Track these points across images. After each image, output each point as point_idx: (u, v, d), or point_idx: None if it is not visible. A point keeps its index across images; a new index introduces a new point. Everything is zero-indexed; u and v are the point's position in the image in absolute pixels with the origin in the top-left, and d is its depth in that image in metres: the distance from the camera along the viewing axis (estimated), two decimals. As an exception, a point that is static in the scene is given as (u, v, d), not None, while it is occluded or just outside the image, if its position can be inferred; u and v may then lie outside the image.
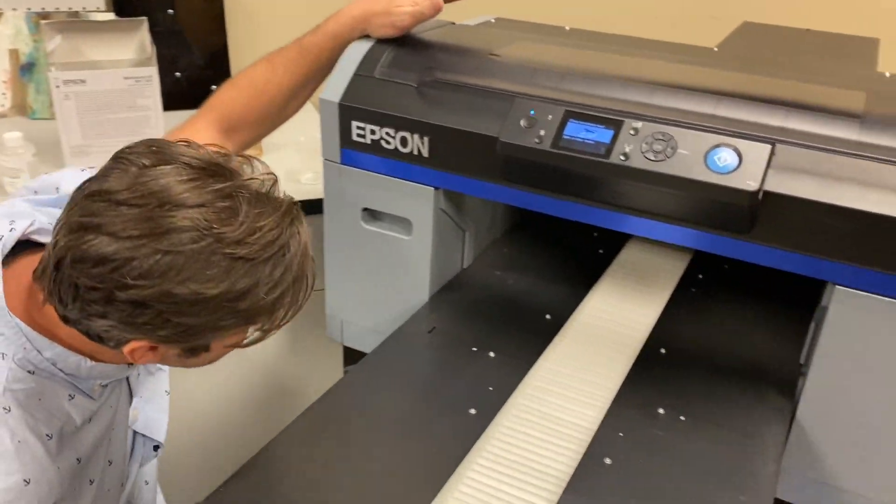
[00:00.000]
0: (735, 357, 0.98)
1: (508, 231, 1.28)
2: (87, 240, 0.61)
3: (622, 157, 0.85)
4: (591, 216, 0.93)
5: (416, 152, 0.99)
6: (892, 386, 0.82)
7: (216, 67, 1.70)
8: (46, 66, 1.55)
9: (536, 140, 0.89)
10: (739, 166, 0.81)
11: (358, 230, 1.08)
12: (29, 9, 1.51)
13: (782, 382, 0.93)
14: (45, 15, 1.57)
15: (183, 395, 1.45)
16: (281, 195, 0.68)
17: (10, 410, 0.68)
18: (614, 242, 1.23)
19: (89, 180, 0.65)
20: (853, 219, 0.78)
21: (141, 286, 0.60)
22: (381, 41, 1.04)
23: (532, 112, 0.90)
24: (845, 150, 0.81)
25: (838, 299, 0.82)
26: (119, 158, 0.65)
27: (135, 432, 0.89)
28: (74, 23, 1.40)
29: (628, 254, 1.22)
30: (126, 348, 0.66)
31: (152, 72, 1.35)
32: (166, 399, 0.93)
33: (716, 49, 1.21)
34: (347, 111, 1.01)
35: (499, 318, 1.04)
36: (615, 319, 1.04)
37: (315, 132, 1.10)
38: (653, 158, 0.84)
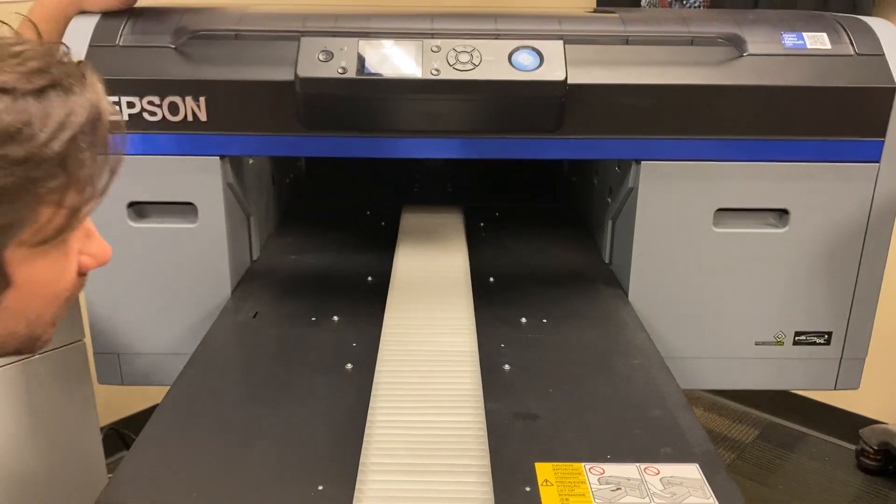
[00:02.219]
0: (555, 272, 1.02)
1: (280, 224, 1.18)
2: None
3: (434, 72, 0.83)
4: (403, 148, 0.89)
5: (191, 118, 0.86)
6: (704, 244, 0.91)
7: None
8: None
9: (340, 70, 0.83)
10: (542, 63, 0.85)
11: (125, 233, 0.90)
12: None
13: (603, 278, 0.98)
14: None
15: None
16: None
17: None
18: (390, 214, 1.21)
19: None
20: (646, 94, 0.86)
21: None
22: (108, 14, 0.90)
23: (325, 47, 0.84)
24: (622, 40, 0.89)
25: (646, 175, 0.89)
26: None
27: None
28: None
29: (408, 220, 1.20)
30: None
31: None
32: None
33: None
34: (92, 86, 0.85)
35: (321, 290, 0.95)
36: (434, 268, 1.01)
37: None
38: (462, 69, 0.84)
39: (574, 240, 1.13)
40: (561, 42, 0.86)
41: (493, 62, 0.84)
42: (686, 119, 0.87)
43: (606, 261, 1.04)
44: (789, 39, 0.89)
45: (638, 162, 0.89)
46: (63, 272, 0.54)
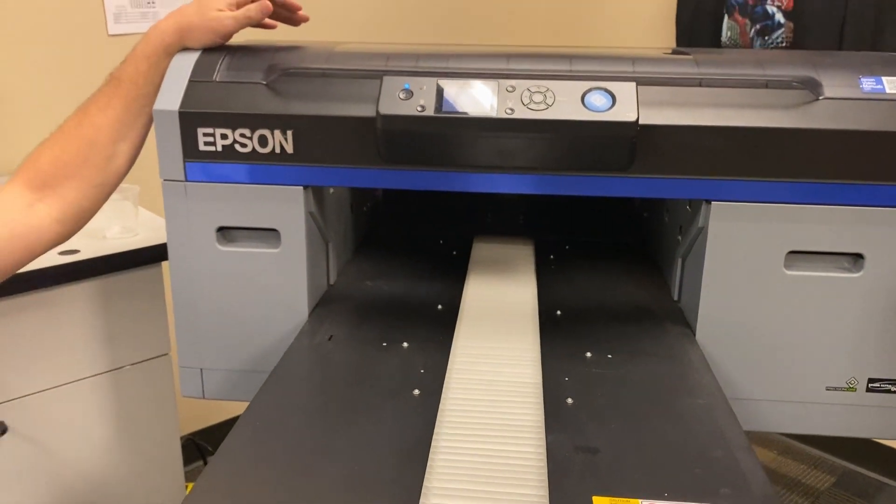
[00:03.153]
0: (622, 308, 1.03)
1: (357, 251, 1.23)
2: None
3: (508, 111, 0.86)
4: (478, 182, 0.92)
5: (278, 150, 0.92)
6: (775, 286, 0.91)
7: (-42, 143, 1.45)
8: None
9: (419, 108, 0.87)
10: (614, 104, 0.87)
11: (213, 256, 0.96)
12: None
13: (671, 316, 0.99)
14: None
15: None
16: None
17: None
18: (461, 244, 1.24)
19: None
20: (719, 136, 0.87)
21: None
22: (208, 50, 0.97)
23: (406, 86, 0.89)
24: (696, 82, 0.90)
25: (716, 215, 0.90)
26: None
27: None
28: None
29: (479, 251, 1.23)
30: None
31: None
32: None
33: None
34: (190, 118, 0.92)
35: (393, 316, 0.98)
36: (502, 298, 1.04)
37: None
38: (535, 109, 0.87)
39: (644, 276, 1.14)
40: (634, 83, 0.88)
41: (565, 102, 0.87)
42: (758, 161, 0.87)
43: (675, 298, 1.04)
44: (867, 83, 0.88)
45: (708, 202, 0.90)
46: None
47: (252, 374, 0.97)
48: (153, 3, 1.71)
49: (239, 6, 0.96)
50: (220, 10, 0.95)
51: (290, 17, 1.02)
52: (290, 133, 0.91)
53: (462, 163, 0.91)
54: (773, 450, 2.04)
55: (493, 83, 0.89)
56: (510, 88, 0.88)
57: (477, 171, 0.91)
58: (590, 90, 0.88)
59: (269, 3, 0.96)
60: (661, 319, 0.98)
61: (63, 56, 1.60)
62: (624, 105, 0.87)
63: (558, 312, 1.00)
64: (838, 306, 0.90)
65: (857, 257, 0.89)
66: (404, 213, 1.40)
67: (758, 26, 1.93)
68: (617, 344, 0.91)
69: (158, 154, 0.94)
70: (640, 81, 0.89)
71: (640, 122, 0.86)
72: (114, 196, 1.23)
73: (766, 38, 1.92)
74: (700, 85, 0.90)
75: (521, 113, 0.86)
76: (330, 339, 0.92)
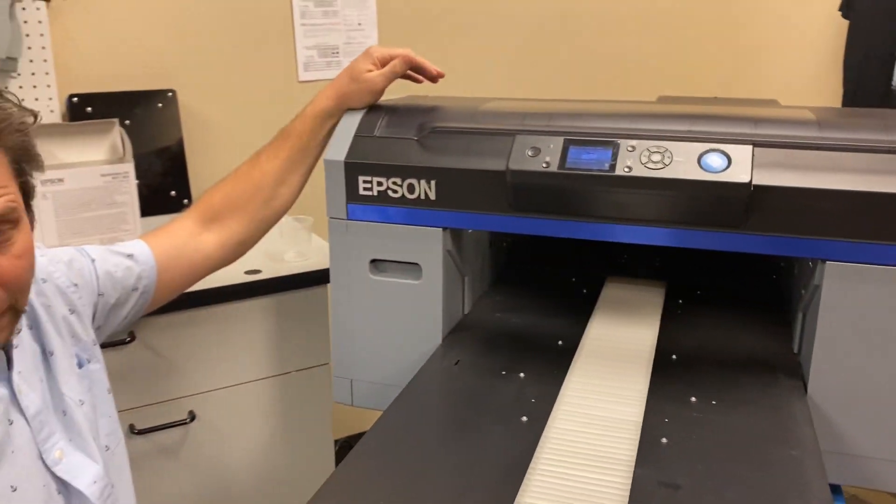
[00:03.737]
0: (738, 356, 1.06)
1: (493, 284, 1.34)
2: None
3: (626, 169, 0.95)
4: (597, 232, 1.01)
5: (423, 197, 1.05)
6: (890, 347, 0.92)
7: (174, 174, 1.73)
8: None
9: (544, 165, 0.97)
10: (729, 166, 0.93)
11: (365, 283, 1.11)
12: (-16, 126, 1.52)
13: (786, 368, 1.02)
14: (0, 132, 1.58)
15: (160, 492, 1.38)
16: None
17: None
18: (593, 284, 1.32)
19: None
20: (833, 199, 0.90)
21: None
22: (372, 108, 1.13)
23: (535, 144, 1.00)
24: (814, 146, 0.94)
25: (830, 274, 0.92)
26: None
27: (65, 487, 0.83)
28: (46, 126, 1.42)
29: (609, 291, 1.30)
30: None
31: (129, 168, 1.37)
32: (94, 446, 0.88)
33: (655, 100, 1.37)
34: (353, 168, 1.08)
35: (515, 347, 1.09)
36: (621, 339, 1.11)
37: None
38: (653, 167, 0.94)
39: (769, 326, 1.16)
40: (751, 146, 0.93)
41: (682, 162, 0.94)
42: (874, 225, 0.89)
43: (795, 351, 1.07)
44: None
45: (823, 261, 0.93)
46: None
47: (391, 387, 1.11)
48: (337, 53, 1.94)
49: (383, 63, 1.11)
50: (369, 71, 1.10)
51: (430, 76, 1.16)
52: (433, 182, 1.04)
53: (583, 213, 1.00)
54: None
55: (615, 142, 0.98)
56: (630, 148, 0.97)
57: (596, 222, 1.00)
58: (707, 151, 0.94)
59: (410, 55, 1.10)
60: (775, 371, 1.01)
61: (260, 98, 1.87)
62: (739, 166, 0.92)
63: (674, 356, 1.06)
64: (958, 373, 0.90)
65: (981, 325, 0.88)
66: (541, 251, 1.50)
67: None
68: (724, 391, 0.95)
69: (326, 195, 1.11)
70: (759, 144, 0.94)
71: (754, 182, 0.91)
72: (292, 225, 1.44)
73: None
74: (819, 149, 0.93)
75: (639, 171, 0.95)
76: (457, 363, 1.04)
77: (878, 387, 0.93)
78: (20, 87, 1.58)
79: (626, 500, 0.73)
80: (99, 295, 0.98)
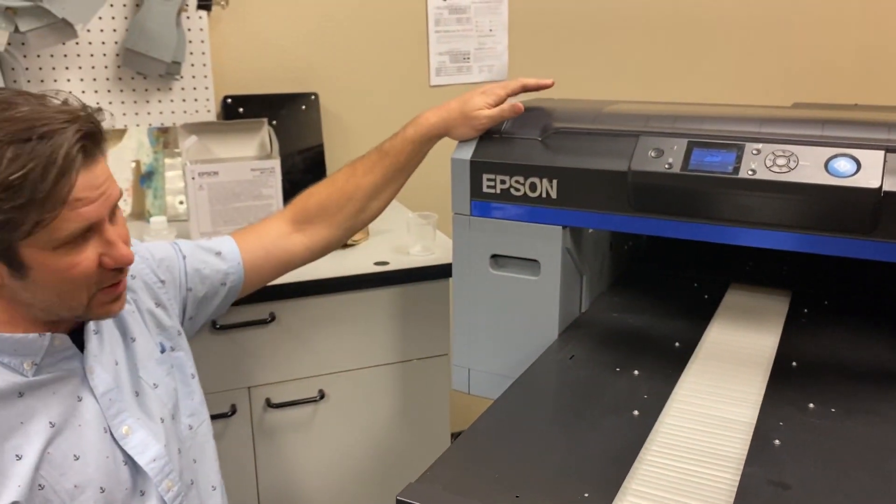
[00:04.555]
0: (863, 367, 1.04)
1: (613, 285, 1.36)
2: None
3: (750, 172, 0.95)
4: (718, 234, 1.01)
5: (544, 195, 1.09)
6: None
7: (314, 171, 1.86)
8: (164, 175, 1.71)
9: (667, 166, 0.99)
10: (858, 171, 0.91)
11: (486, 277, 1.17)
12: (150, 124, 1.69)
13: (917, 382, 0.98)
14: (164, 129, 1.75)
15: (283, 464, 1.48)
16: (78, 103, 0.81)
17: None
18: (716, 289, 1.31)
19: None
20: (972, 206, 0.86)
21: None
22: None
23: (658, 145, 1.01)
24: (952, 151, 0.90)
25: (967, 285, 0.89)
26: None
27: (131, 460, 0.91)
28: (205, 124, 1.57)
29: (732, 297, 1.29)
30: None
31: (275, 164, 1.49)
32: (160, 427, 0.96)
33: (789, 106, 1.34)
34: (478, 166, 1.13)
35: (631, 346, 1.11)
36: (740, 344, 1.11)
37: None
38: (778, 171, 0.94)
39: (901, 340, 1.12)
40: (883, 151, 0.91)
41: (808, 166, 0.93)
42: None
43: (928, 365, 1.03)
44: None
45: (960, 272, 0.90)
46: (73, 265, 0.80)
47: (507, 378, 1.15)
48: (468, 59, 2.01)
49: (497, 103, 1.14)
50: (480, 110, 1.13)
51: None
52: (555, 181, 1.08)
53: (704, 216, 1.01)
54: None
55: (740, 145, 0.98)
56: (755, 151, 0.97)
57: (717, 224, 1.01)
58: (835, 156, 0.93)
59: (521, 106, 1.14)
60: (903, 384, 0.98)
61: (393, 101, 1.97)
62: (868, 171, 0.90)
63: (794, 363, 1.04)
64: None
65: None
66: (664, 256, 1.50)
67: None
68: (844, 400, 0.94)
69: (452, 192, 1.17)
70: (892, 149, 0.92)
71: (885, 189, 0.89)
72: (418, 221, 1.52)
73: None
74: (959, 154, 0.90)
75: (763, 174, 0.95)
76: (571, 357, 1.07)
77: None
78: (182, 88, 1.75)
79: (734, 495, 0.74)
80: (188, 290, 1.10)
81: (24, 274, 0.79)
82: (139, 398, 0.96)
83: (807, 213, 0.95)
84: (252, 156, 1.53)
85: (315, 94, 1.88)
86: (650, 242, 1.53)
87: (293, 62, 1.88)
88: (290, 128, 1.83)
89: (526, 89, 1.17)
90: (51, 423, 0.85)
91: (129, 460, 0.92)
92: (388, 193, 1.22)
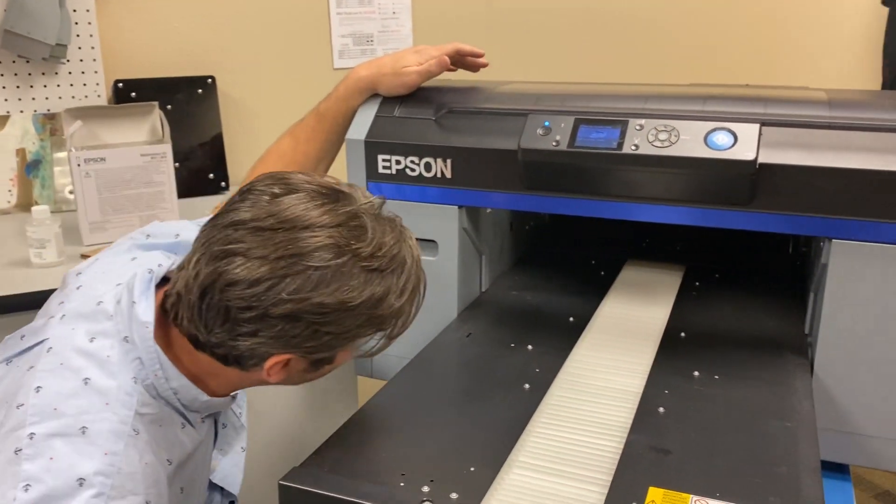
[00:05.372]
0: (747, 335, 1.07)
1: (515, 264, 1.37)
2: (237, 264, 0.68)
3: (633, 147, 0.97)
4: (608, 210, 1.03)
5: (439, 175, 1.09)
6: (889, 321, 0.92)
7: (214, 157, 1.80)
8: (52, 163, 1.63)
9: (554, 143, 1.00)
10: (735, 143, 0.94)
11: (385, 260, 1.15)
12: (35, 111, 1.61)
13: (795, 347, 1.02)
14: (51, 116, 1.67)
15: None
16: (391, 215, 0.78)
17: (138, 433, 0.72)
18: (613, 266, 1.34)
19: (219, 215, 0.74)
20: (839, 177, 0.90)
21: (295, 300, 0.68)
22: (393, 90, 1.17)
23: (546, 123, 1.02)
24: (823, 125, 0.94)
25: (836, 252, 0.93)
26: (247, 191, 0.74)
27: (211, 483, 0.92)
28: (91, 109, 1.50)
29: (627, 273, 1.32)
30: (267, 363, 0.73)
31: (166, 149, 1.44)
32: (242, 456, 0.96)
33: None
34: (373, 147, 1.12)
35: (527, 322, 1.12)
36: (632, 317, 1.13)
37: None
38: (659, 146, 0.96)
39: (784, 308, 1.16)
40: (758, 125, 0.94)
41: (688, 141, 0.96)
42: (882, 204, 0.90)
43: (807, 332, 1.07)
44: None
45: (829, 240, 0.94)
46: (352, 356, 0.80)
47: (407, 360, 1.15)
48: (371, 41, 1.99)
49: (421, 62, 1.14)
50: (410, 66, 1.13)
51: (473, 63, 1.19)
52: (449, 161, 1.08)
53: (593, 192, 1.02)
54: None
55: (624, 121, 1.00)
56: (639, 127, 0.99)
57: (606, 200, 1.02)
58: (714, 130, 0.96)
59: (447, 59, 1.13)
60: (783, 349, 1.02)
61: (296, 85, 1.92)
62: (745, 144, 0.93)
63: (682, 334, 1.07)
64: (963, 352, 0.90)
65: None
66: (566, 235, 1.52)
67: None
68: (728, 367, 0.97)
69: (347, 173, 1.15)
70: (767, 123, 0.95)
71: (760, 161, 0.92)
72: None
73: None
74: (828, 128, 0.94)
75: (645, 149, 0.97)
76: (468, 336, 1.07)
77: (883, 366, 0.93)
78: (69, 72, 1.66)
79: (615, 462, 0.76)
80: None
81: (318, 368, 0.79)
82: (224, 430, 0.95)
83: (689, 186, 0.98)
84: (142, 141, 1.47)
85: (212, 77, 1.82)
86: (553, 222, 1.55)
87: (188, 45, 1.81)
88: (186, 113, 1.77)
89: (460, 53, 1.15)
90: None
91: (218, 491, 0.94)
92: (332, 156, 1.20)
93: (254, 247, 0.68)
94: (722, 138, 0.95)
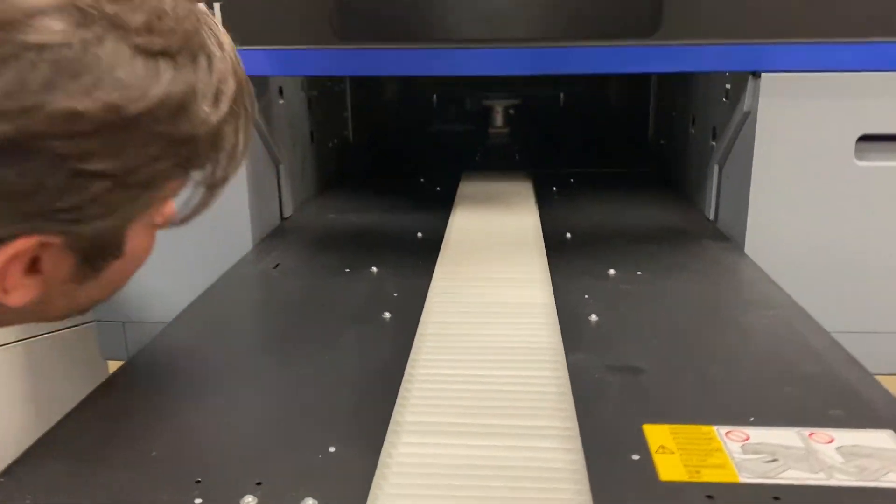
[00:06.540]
0: (645, 226, 0.83)
1: (320, 191, 1.02)
2: None
3: (495, -43, 0.67)
4: (457, 62, 0.72)
5: (205, 33, 0.71)
6: (843, 182, 0.71)
7: None
8: None
9: (379, -40, 0.67)
10: (632, -54, 0.67)
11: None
12: None
13: (706, 234, 0.79)
14: None
15: None
16: None
17: None
18: (447, 181, 1.05)
19: None
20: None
21: (15, 111, 0.32)
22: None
23: (362, -64, 0.69)
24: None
25: (767, 90, 0.70)
26: None
27: None
28: None
29: (468, 185, 1.04)
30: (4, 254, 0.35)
31: None
32: None
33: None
34: None
35: (361, 244, 0.79)
36: (498, 225, 0.84)
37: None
38: (531, -45, 0.67)
39: (664, 200, 0.95)
40: (655, -76, 0.68)
41: (569, -53, 0.67)
42: (819, 17, 0.68)
43: (711, 218, 0.85)
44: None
45: (756, 75, 0.70)
46: (153, 241, 0.46)
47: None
48: None
49: None
50: None
51: None
52: (217, 6, 0.71)
53: (438, 36, 0.71)
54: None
55: (474, -69, 0.69)
56: (497, -66, 0.69)
57: (457, 47, 0.71)
58: (599, -68, 0.68)
59: None
60: (697, 237, 0.79)
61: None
62: (644, -53, 0.67)
63: (568, 235, 0.80)
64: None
65: (951, 136, 0.70)
66: (378, 152, 1.20)
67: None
68: (646, 261, 0.71)
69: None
70: (664, -76, 0.69)
71: (666, -31, 0.66)
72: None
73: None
74: (739, -74, 0.70)
75: (512, -40, 0.67)
76: (275, 267, 0.71)
77: (833, 238, 0.72)
78: None
79: (569, 397, 0.45)
80: None
81: (98, 272, 0.42)
82: None
83: (572, 9, 0.70)
84: None
85: None
86: (361, 140, 1.22)
87: None
88: None
89: None
90: None
91: None
92: None
93: None
94: (613, -59, 0.68)
